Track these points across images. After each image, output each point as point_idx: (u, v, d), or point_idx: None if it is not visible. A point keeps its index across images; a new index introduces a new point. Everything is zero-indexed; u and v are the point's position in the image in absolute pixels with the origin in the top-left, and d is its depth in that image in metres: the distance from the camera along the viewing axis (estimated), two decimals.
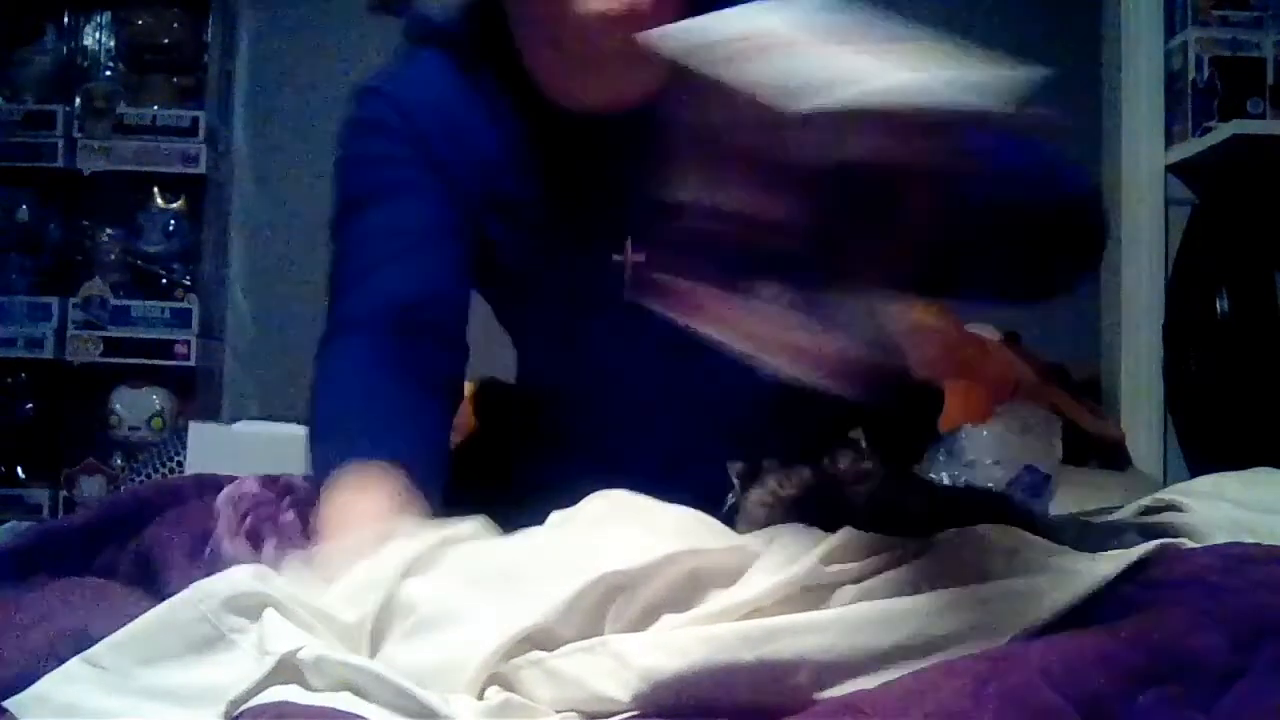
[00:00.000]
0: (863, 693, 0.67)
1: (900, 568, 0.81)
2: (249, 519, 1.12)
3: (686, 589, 0.82)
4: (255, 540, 1.11)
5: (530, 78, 1.17)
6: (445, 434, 1.17)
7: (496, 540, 0.93)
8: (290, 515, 1.16)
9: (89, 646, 0.86)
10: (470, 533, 0.97)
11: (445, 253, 1.20)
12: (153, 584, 1.06)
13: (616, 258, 1.17)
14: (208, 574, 1.01)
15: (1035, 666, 0.62)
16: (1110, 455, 2.74)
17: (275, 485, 1.19)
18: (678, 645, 0.74)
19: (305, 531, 1.13)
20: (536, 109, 1.17)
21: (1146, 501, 1.18)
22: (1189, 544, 0.92)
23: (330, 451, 1.08)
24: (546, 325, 1.28)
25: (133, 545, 1.12)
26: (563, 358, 1.28)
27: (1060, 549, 0.88)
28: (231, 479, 1.27)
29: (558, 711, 0.76)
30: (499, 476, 1.28)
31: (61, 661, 0.85)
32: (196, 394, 3.23)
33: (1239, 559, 0.83)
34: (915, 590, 0.79)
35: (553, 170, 1.19)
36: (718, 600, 0.81)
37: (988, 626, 0.75)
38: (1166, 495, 1.18)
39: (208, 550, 1.08)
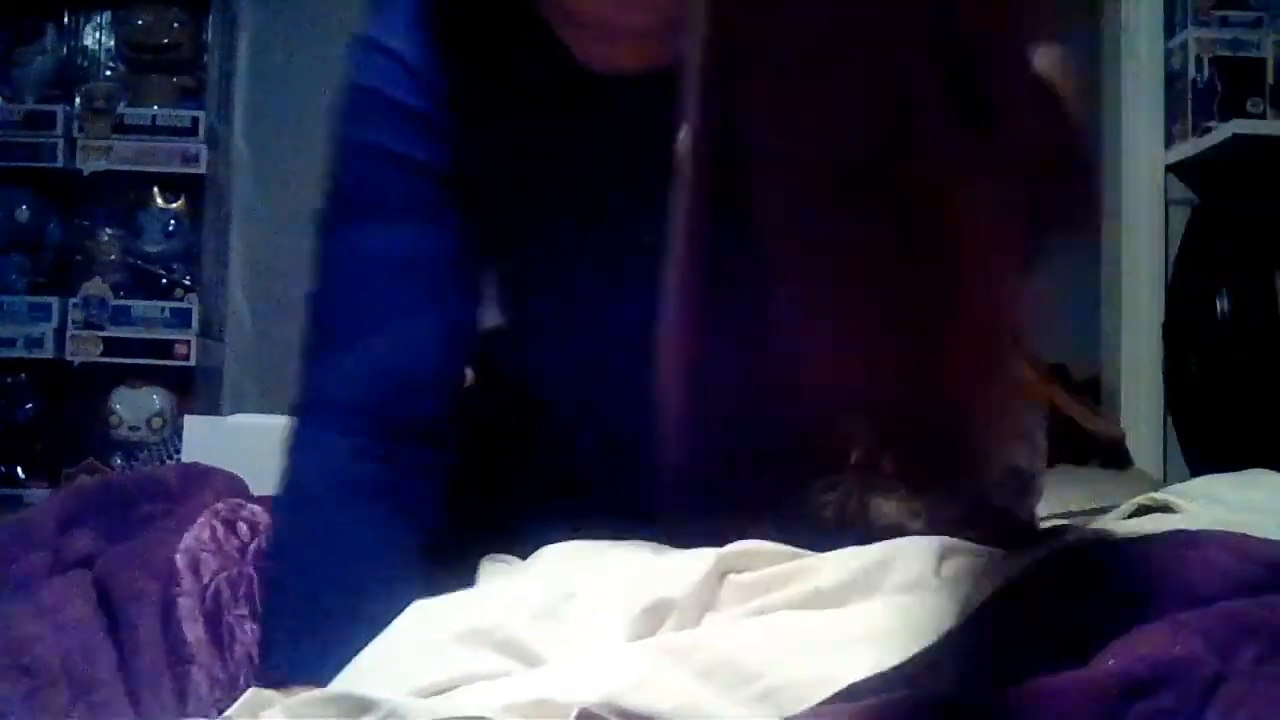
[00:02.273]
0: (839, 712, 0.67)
1: (819, 579, 0.81)
2: (209, 593, 1.06)
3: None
4: (216, 627, 1.06)
5: (551, 32, 1.02)
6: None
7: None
8: (253, 581, 1.11)
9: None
10: None
11: (450, 302, 1.06)
12: (115, 624, 1.03)
13: (649, 239, 0.98)
14: (171, 653, 0.98)
15: (1027, 690, 0.62)
16: (1111, 455, 2.74)
17: (236, 533, 1.12)
18: (605, 663, 0.73)
19: (247, 593, 1.10)
20: (557, 64, 1.02)
21: (1140, 500, 1.18)
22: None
23: (280, 654, 0.97)
24: (552, 304, 1.13)
25: (98, 566, 1.09)
26: (563, 339, 1.13)
27: (982, 550, 0.86)
28: (218, 471, 1.26)
29: None
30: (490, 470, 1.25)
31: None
32: (196, 394, 3.23)
33: (1181, 544, 0.83)
34: (835, 603, 0.79)
35: (575, 134, 1.05)
36: (629, 588, 0.81)
37: (912, 617, 0.75)
38: (1161, 495, 1.18)
39: (170, 631, 1.04)
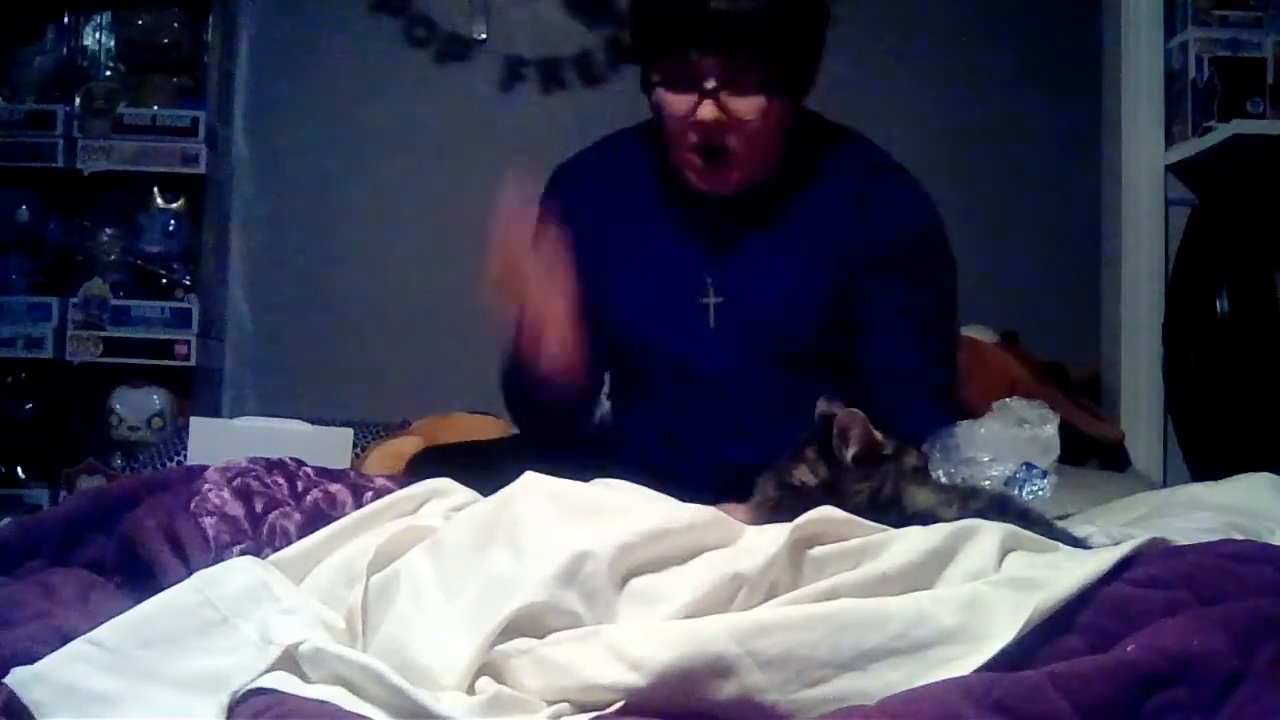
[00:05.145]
0: (866, 706, 0.67)
1: (885, 561, 0.82)
2: (238, 480, 1.13)
3: (682, 555, 0.84)
4: (245, 496, 1.13)
5: (674, 168, 1.75)
6: None
7: (484, 510, 0.95)
8: (279, 479, 1.17)
9: (86, 631, 0.86)
10: (466, 500, 0.99)
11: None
12: (135, 566, 1.06)
13: (703, 300, 1.76)
14: (195, 523, 1.03)
15: (1044, 673, 0.62)
16: (1110, 456, 2.74)
17: (264, 460, 1.23)
18: (669, 636, 0.74)
19: (292, 494, 1.16)
20: (674, 186, 1.77)
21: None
22: (1180, 540, 0.92)
23: None
24: (643, 335, 1.79)
25: (118, 532, 1.12)
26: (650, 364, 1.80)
27: (1052, 544, 0.88)
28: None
29: (548, 703, 0.76)
30: None
31: (62, 644, 0.85)
32: (196, 394, 3.23)
33: (1229, 557, 0.83)
34: (901, 587, 0.79)
35: (673, 224, 1.79)
36: (705, 562, 0.82)
37: (973, 628, 0.75)
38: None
39: (194, 502, 1.09)
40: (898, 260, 1.73)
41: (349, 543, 1.02)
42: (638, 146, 1.80)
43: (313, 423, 2.11)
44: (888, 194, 1.77)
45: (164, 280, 3.23)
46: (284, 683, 0.78)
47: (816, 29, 1.70)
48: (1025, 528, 0.89)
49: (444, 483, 1.15)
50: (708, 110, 1.63)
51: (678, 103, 1.67)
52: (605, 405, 2.06)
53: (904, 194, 1.78)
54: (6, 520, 1.43)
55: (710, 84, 1.63)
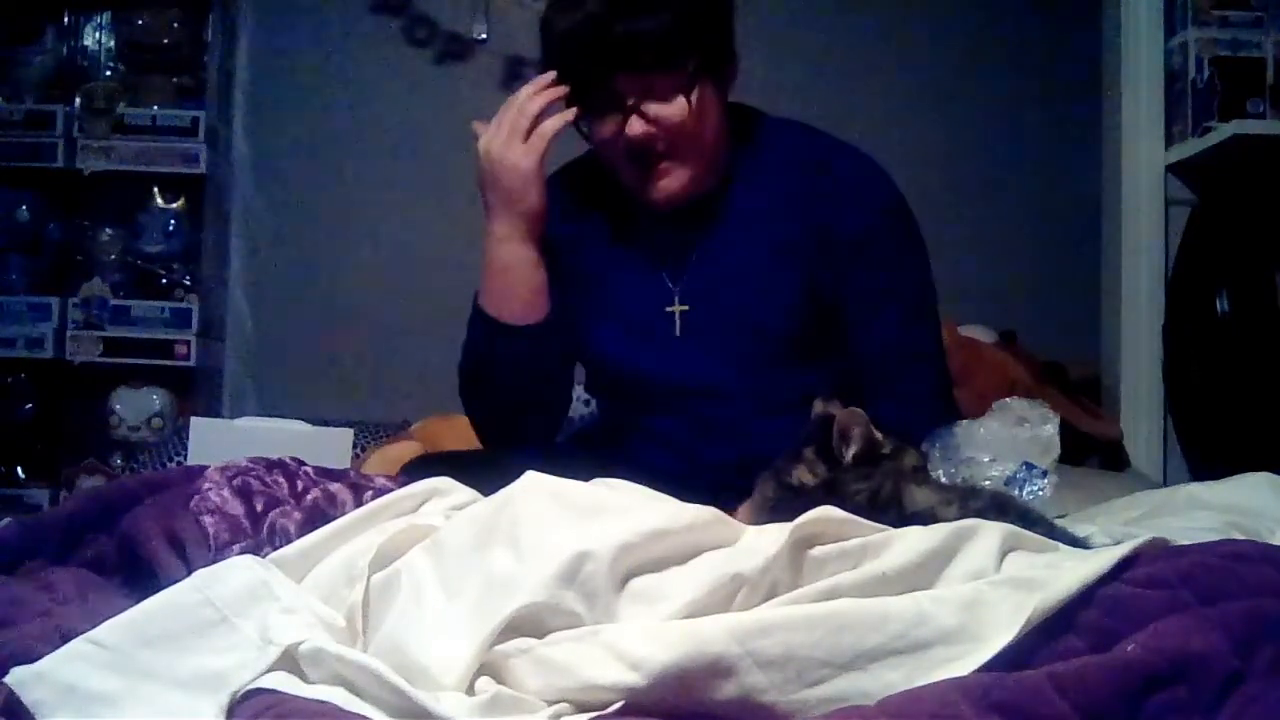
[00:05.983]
0: (866, 706, 0.67)
1: (885, 561, 0.82)
2: (238, 479, 1.13)
3: (682, 555, 0.84)
4: (245, 495, 1.13)
5: (625, 190, 1.79)
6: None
7: (488, 509, 0.95)
8: (279, 478, 1.18)
9: (86, 630, 0.86)
10: (466, 499, 0.99)
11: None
12: (135, 565, 1.06)
13: (669, 309, 1.79)
14: (195, 522, 1.03)
15: (1044, 673, 0.62)
16: (1110, 455, 2.74)
17: (264, 460, 1.24)
18: (669, 637, 0.74)
19: (292, 493, 1.16)
20: (631, 206, 1.81)
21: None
22: (1180, 540, 0.92)
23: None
24: (616, 353, 1.83)
25: (118, 532, 1.13)
26: (625, 382, 1.84)
27: (1052, 544, 0.88)
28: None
29: (548, 703, 0.77)
30: None
31: (62, 643, 0.85)
32: (196, 394, 3.23)
33: (1229, 557, 0.83)
34: (901, 587, 0.79)
35: (633, 240, 1.83)
36: (705, 562, 0.82)
37: (973, 628, 0.75)
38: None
39: (194, 501, 1.09)
40: (867, 238, 1.75)
41: (349, 541, 1.03)
42: (590, 173, 1.84)
43: (313, 423, 2.11)
44: (844, 173, 1.79)
45: (164, 280, 3.23)
46: (284, 683, 0.78)
47: (723, 16, 1.75)
48: (1025, 528, 0.89)
49: (444, 482, 1.16)
50: (636, 126, 1.69)
51: (606, 125, 1.72)
52: (583, 409, 2.08)
53: (860, 171, 1.80)
54: (6, 520, 1.43)
55: (631, 100, 1.69)
